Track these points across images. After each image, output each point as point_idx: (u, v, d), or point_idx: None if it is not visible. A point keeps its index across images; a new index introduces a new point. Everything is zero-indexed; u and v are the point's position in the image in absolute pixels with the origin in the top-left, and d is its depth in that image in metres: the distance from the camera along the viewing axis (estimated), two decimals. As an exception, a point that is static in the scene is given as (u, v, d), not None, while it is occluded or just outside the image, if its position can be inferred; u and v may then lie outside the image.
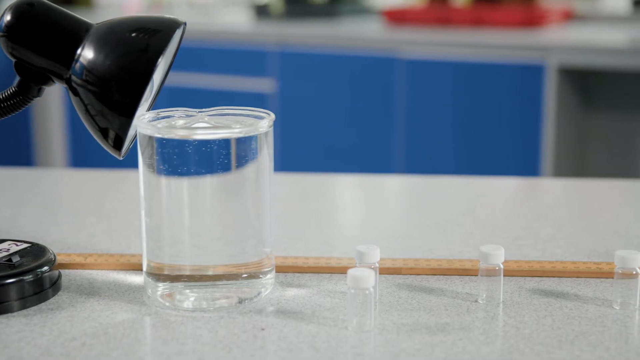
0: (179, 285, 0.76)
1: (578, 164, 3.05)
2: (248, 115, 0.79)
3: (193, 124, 0.76)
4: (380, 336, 0.71)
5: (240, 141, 0.74)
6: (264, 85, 3.09)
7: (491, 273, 0.77)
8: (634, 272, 0.75)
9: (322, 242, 0.95)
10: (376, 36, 3.01)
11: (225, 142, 0.73)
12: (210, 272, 0.75)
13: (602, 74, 2.97)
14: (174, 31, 0.75)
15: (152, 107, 0.82)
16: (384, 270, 0.84)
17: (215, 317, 0.74)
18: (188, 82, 3.19)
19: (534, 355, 0.67)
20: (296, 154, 3.10)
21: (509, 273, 0.83)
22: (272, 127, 0.77)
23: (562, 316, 0.74)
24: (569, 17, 3.22)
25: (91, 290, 0.80)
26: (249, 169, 0.75)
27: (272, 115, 0.78)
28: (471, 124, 2.84)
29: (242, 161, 0.74)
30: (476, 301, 0.78)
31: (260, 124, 0.75)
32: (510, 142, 2.80)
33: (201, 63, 3.18)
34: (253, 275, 0.77)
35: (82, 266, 0.85)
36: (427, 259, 0.86)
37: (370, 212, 1.13)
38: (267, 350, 0.68)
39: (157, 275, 0.76)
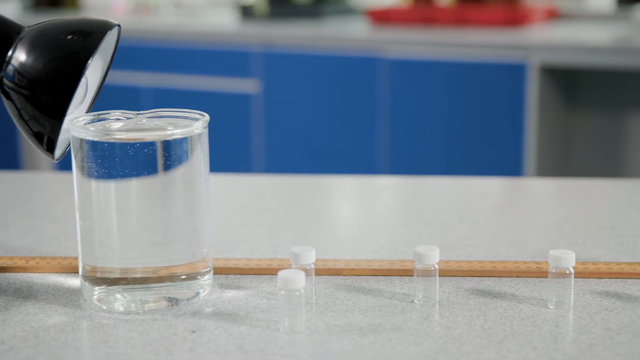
0: (111, 288, 0.75)
1: (562, 163, 3.05)
2: (185, 117, 0.79)
3: (128, 127, 0.76)
4: (310, 337, 0.71)
5: (172, 143, 0.74)
6: (248, 86, 3.09)
7: (426, 273, 0.77)
8: (568, 272, 0.75)
9: (269, 243, 0.95)
10: (360, 36, 3.01)
11: (156, 144, 0.73)
12: (139, 275, 0.75)
13: (586, 72, 2.97)
14: (105, 33, 0.75)
15: (90, 109, 0.82)
16: (325, 272, 0.84)
17: (148, 319, 0.74)
18: (172, 83, 3.19)
19: (461, 356, 0.67)
20: (280, 155, 3.10)
21: (449, 273, 0.83)
22: (206, 129, 0.77)
23: (495, 316, 0.74)
24: (553, 16, 3.22)
25: (29, 294, 0.80)
26: (182, 171, 0.75)
27: (207, 117, 0.78)
28: (455, 123, 2.84)
29: (174, 163, 0.74)
30: (412, 302, 0.78)
31: (194, 126, 0.75)
32: (494, 142, 2.80)
33: (185, 64, 3.18)
34: (189, 277, 0.77)
35: (24, 269, 0.85)
36: (369, 260, 0.86)
37: (326, 213, 1.13)
38: (194, 353, 0.68)
39: (92, 278, 0.76)
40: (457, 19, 3.00)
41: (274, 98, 3.08)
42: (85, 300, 0.78)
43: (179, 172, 0.75)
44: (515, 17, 2.96)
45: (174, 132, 0.74)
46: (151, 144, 0.73)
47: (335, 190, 1.26)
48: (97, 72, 0.81)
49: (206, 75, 3.15)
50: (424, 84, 2.86)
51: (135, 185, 0.74)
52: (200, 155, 0.76)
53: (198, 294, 0.78)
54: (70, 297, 0.79)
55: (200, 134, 0.76)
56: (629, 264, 0.83)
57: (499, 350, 0.68)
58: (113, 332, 0.72)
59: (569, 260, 0.74)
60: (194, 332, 0.72)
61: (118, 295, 0.75)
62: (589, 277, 0.82)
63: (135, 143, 0.73)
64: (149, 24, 3.41)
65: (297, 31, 3.08)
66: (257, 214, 1.09)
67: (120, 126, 0.76)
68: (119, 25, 0.78)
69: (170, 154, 0.74)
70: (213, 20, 3.48)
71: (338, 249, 0.93)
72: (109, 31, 0.75)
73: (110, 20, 0.77)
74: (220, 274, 0.84)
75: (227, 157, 3.18)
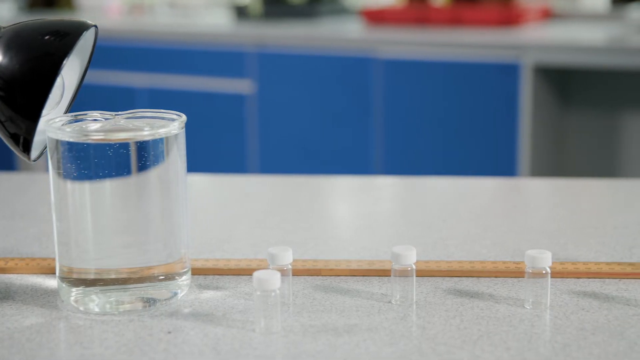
0: (88, 289, 0.75)
1: (556, 163, 3.04)
2: (162, 118, 0.79)
3: (104, 128, 0.76)
4: (285, 338, 0.71)
5: (148, 144, 0.74)
6: (243, 86, 3.09)
7: (403, 274, 0.77)
8: (544, 272, 0.75)
9: (250, 244, 0.95)
10: (354, 36, 3.01)
11: (132, 145, 0.73)
12: (114, 276, 0.75)
13: (580, 72, 2.97)
14: (80, 34, 0.75)
15: (69, 110, 0.82)
16: (304, 272, 0.84)
17: (124, 320, 0.74)
18: (166, 83, 3.19)
19: (434, 356, 0.67)
20: (274, 155, 3.10)
21: (428, 273, 0.83)
22: (183, 129, 0.77)
23: (471, 316, 0.74)
24: (548, 15, 3.22)
25: (6, 295, 0.80)
26: (158, 172, 0.75)
27: (184, 117, 0.78)
28: (449, 123, 2.84)
29: (150, 164, 0.74)
30: (390, 302, 0.77)
31: (170, 127, 0.75)
32: (488, 142, 2.80)
33: (179, 64, 3.18)
34: (166, 278, 0.77)
35: (3, 270, 0.85)
36: (349, 260, 0.86)
37: (311, 213, 1.13)
38: (168, 353, 0.68)
39: (68, 279, 0.76)
40: (452, 18, 3.00)
41: (269, 98, 3.08)
42: (62, 301, 0.77)
43: (154, 173, 0.75)
44: (509, 17, 2.96)
45: (149, 132, 0.74)
46: (127, 145, 0.73)
47: (322, 190, 1.26)
48: (75, 72, 0.81)
49: (200, 75, 3.15)
50: (418, 84, 2.86)
51: (110, 187, 0.74)
52: (177, 156, 0.76)
53: (176, 294, 0.78)
54: (47, 298, 0.79)
55: (176, 135, 0.76)
56: (607, 263, 0.83)
57: (473, 350, 0.68)
58: (88, 333, 0.72)
59: (545, 260, 0.74)
60: (169, 332, 0.72)
61: (94, 296, 0.75)
62: (567, 277, 0.82)
63: (110, 144, 0.73)
64: (143, 24, 3.41)
65: (292, 31, 3.08)
66: (240, 214, 1.09)
67: (97, 127, 0.76)
68: (95, 26, 0.78)
69: (146, 154, 0.74)
70: (208, 21, 3.48)
71: (319, 249, 0.93)
72: (85, 32, 0.75)
73: (86, 21, 0.77)
74: (199, 274, 0.84)
75: (221, 158, 3.18)
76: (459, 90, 2.82)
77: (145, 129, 0.75)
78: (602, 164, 3.05)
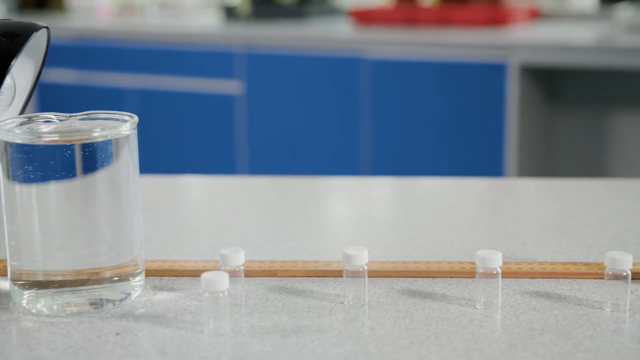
0: (39, 292, 0.75)
1: (543, 162, 3.04)
2: (116, 119, 0.78)
3: (54, 129, 0.76)
4: (233, 339, 0.70)
5: (98, 145, 0.74)
6: (231, 87, 3.09)
7: (355, 274, 0.77)
8: (494, 272, 0.75)
9: (210, 245, 0.95)
10: (343, 37, 3.01)
11: (80, 146, 0.73)
12: (62, 278, 0.74)
13: (568, 72, 2.97)
14: (30, 35, 0.75)
15: (23, 111, 0.82)
16: (260, 273, 0.84)
17: (74, 322, 0.74)
18: (155, 84, 3.19)
19: (380, 356, 0.67)
20: (263, 156, 3.10)
21: (383, 274, 0.83)
22: (135, 130, 0.77)
23: (422, 317, 0.74)
24: (536, 15, 3.21)
25: (-41, 297, 0.79)
26: (107, 173, 0.75)
27: (135, 118, 0.77)
28: (436, 123, 2.84)
29: (99, 165, 0.74)
30: (342, 303, 0.77)
31: (121, 128, 0.75)
32: (476, 142, 2.80)
33: (168, 65, 3.17)
34: (117, 279, 0.76)
35: (-41, 272, 0.84)
36: (306, 261, 0.86)
37: (276, 214, 1.13)
38: (114, 355, 0.68)
39: (19, 281, 0.76)
40: (440, 19, 3.00)
41: (257, 99, 3.08)
42: (14, 303, 0.77)
43: (104, 175, 0.74)
44: (497, 17, 2.96)
45: (99, 134, 0.74)
46: (75, 147, 0.72)
47: (290, 191, 1.25)
48: (28, 74, 0.81)
49: (189, 76, 3.15)
50: (406, 84, 2.86)
51: (58, 189, 0.74)
52: (128, 157, 0.76)
53: (128, 295, 0.78)
54: (0, 300, 0.79)
55: (127, 136, 0.76)
56: (563, 263, 0.83)
57: (419, 350, 0.68)
58: (37, 336, 0.71)
59: (495, 260, 0.74)
60: (117, 334, 0.72)
61: (44, 299, 0.75)
62: (522, 277, 0.82)
63: (59, 146, 0.73)
64: (132, 25, 3.41)
65: (280, 32, 3.08)
66: (204, 216, 1.09)
67: (47, 129, 0.76)
68: (46, 27, 0.78)
69: (96, 156, 0.74)
70: (197, 22, 3.48)
71: (279, 250, 0.93)
72: (35, 33, 0.75)
73: (37, 22, 0.77)
74: (155, 276, 0.84)
75: (210, 159, 3.18)
76: (447, 90, 2.82)
77: (96, 130, 0.74)
78: (590, 163, 3.05)
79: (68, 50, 3.31)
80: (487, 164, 2.78)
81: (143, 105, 3.23)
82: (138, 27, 3.33)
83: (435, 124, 2.84)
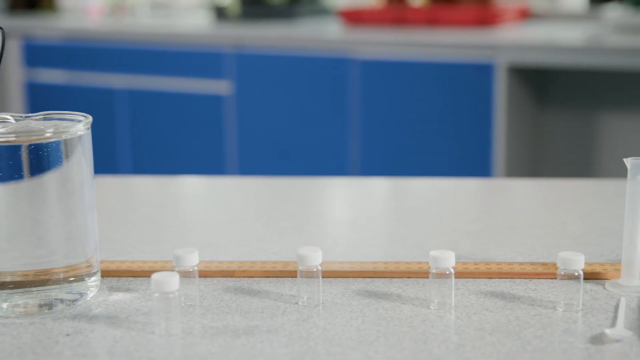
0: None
1: (532, 163, 3.04)
2: (72, 120, 0.78)
3: (7, 130, 0.76)
4: (182, 340, 0.70)
5: (49, 146, 0.74)
6: (221, 87, 3.09)
7: (309, 275, 0.76)
8: (448, 272, 0.74)
9: (172, 245, 0.95)
10: (332, 37, 3.01)
11: (28, 147, 0.73)
12: (12, 279, 0.74)
13: (557, 72, 2.97)
14: (-18, 36, 0.74)
15: (-20, 112, 0.82)
16: (218, 273, 0.84)
17: (25, 323, 0.73)
18: (145, 84, 3.19)
19: (328, 357, 0.67)
20: (253, 156, 3.10)
21: (340, 274, 0.83)
22: (89, 131, 0.77)
23: (374, 317, 0.74)
24: (526, 16, 3.21)
25: None
26: (59, 173, 0.74)
27: (89, 119, 0.77)
28: (425, 123, 2.83)
29: (51, 165, 0.74)
30: (297, 303, 0.77)
31: (74, 128, 0.75)
32: (464, 142, 2.79)
33: (158, 65, 3.17)
34: (71, 280, 0.76)
35: None
36: (264, 262, 0.86)
37: (243, 214, 1.12)
38: (62, 356, 0.68)
39: (-28, 281, 0.76)
40: (429, 19, 2.99)
41: (247, 99, 3.08)
42: (-30, 304, 0.77)
43: (56, 175, 0.74)
44: (487, 17, 2.96)
45: (50, 134, 0.73)
46: (24, 147, 0.72)
47: (269, 191, 1.25)
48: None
49: (179, 76, 3.15)
50: (395, 84, 2.85)
51: (8, 189, 0.73)
52: (82, 157, 0.76)
53: (82, 296, 0.77)
54: (-45, 300, 0.79)
55: (81, 136, 0.76)
56: (520, 264, 0.83)
57: (367, 351, 0.67)
58: (-14, 336, 0.71)
59: (447, 260, 0.74)
60: (68, 335, 0.71)
61: (-4, 300, 0.75)
62: (478, 277, 0.81)
63: (8, 146, 0.72)
64: (123, 25, 3.40)
65: (270, 32, 3.07)
66: (171, 216, 1.09)
67: (2, 129, 0.76)
68: (1, 28, 0.77)
69: (48, 156, 0.73)
70: (187, 22, 3.48)
71: (240, 251, 0.92)
72: (-12, 34, 0.75)
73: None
74: (113, 276, 0.84)
75: (200, 159, 3.18)
76: (436, 90, 2.81)
77: (49, 130, 0.74)
78: (579, 163, 3.05)
79: (58, 51, 3.31)
80: (476, 164, 2.78)
81: (133, 105, 3.23)
82: (129, 28, 3.33)
83: (424, 123, 2.84)
